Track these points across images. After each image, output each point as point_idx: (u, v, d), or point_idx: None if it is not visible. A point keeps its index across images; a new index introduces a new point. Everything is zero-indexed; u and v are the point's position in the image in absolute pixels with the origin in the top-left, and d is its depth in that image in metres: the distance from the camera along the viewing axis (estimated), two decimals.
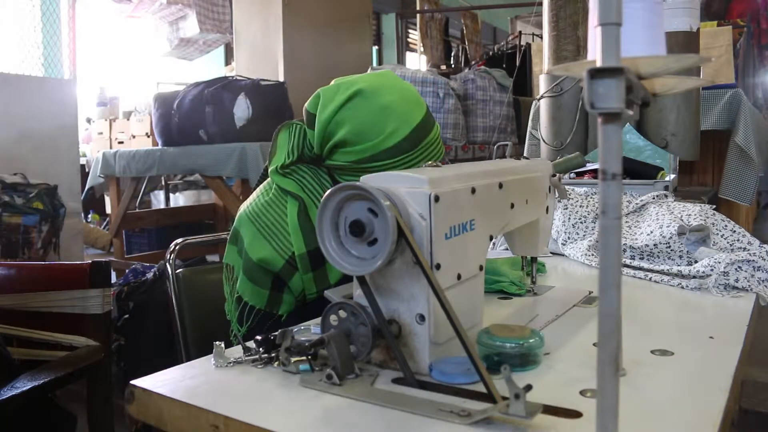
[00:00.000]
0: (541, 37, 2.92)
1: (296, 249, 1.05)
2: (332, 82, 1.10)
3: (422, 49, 7.39)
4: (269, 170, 1.12)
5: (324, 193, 1.07)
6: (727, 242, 1.26)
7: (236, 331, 1.09)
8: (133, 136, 4.45)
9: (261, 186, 1.15)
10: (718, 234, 1.27)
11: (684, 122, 2.35)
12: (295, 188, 1.09)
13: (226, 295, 1.12)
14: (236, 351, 0.80)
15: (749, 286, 1.08)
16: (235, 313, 1.09)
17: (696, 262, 1.19)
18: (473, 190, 0.77)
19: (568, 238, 1.47)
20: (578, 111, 2.40)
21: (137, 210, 4.40)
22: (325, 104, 1.07)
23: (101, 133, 4.65)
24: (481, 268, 0.80)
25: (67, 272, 1.60)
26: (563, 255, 1.47)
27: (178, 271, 1.32)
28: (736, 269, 1.09)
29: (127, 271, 2.45)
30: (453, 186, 0.74)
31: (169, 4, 4.60)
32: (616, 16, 0.44)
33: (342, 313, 0.72)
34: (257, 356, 0.77)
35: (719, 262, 1.11)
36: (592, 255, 1.38)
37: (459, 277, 0.75)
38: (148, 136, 4.29)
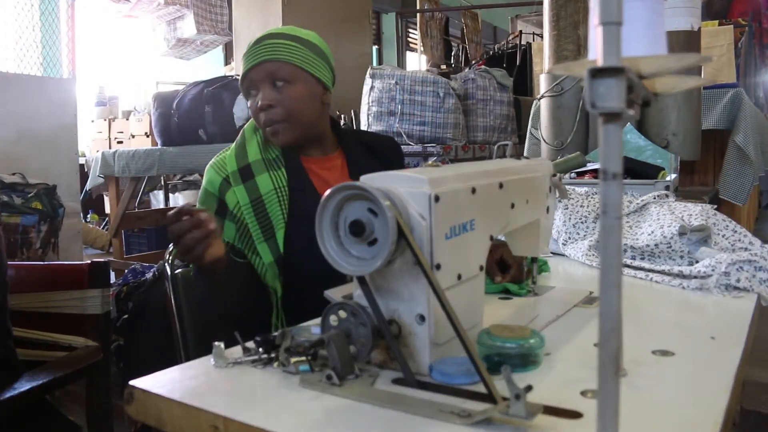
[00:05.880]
0: (542, 37, 2.92)
1: (229, 167, 1.25)
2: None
3: (422, 48, 7.38)
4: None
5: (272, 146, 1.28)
6: (729, 242, 1.25)
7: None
8: (133, 136, 4.45)
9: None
10: (719, 234, 1.27)
11: (685, 122, 2.35)
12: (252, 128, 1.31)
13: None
14: (236, 351, 0.80)
15: (750, 286, 1.08)
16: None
17: (697, 262, 1.19)
18: (473, 190, 0.77)
19: (569, 238, 1.46)
20: (579, 110, 2.40)
21: (136, 210, 4.40)
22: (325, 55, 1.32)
23: (100, 133, 4.65)
24: (481, 268, 0.80)
25: (66, 272, 1.60)
26: (564, 255, 1.47)
27: (177, 271, 1.32)
28: (737, 269, 1.09)
29: (126, 271, 2.45)
30: (453, 186, 0.74)
31: (167, 4, 4.59)
32: (617, 15, 0.44)
33: (342, 314, 0.72)
34: (257, 356, 0.77)
35: (720, 263, 1.11)
36: (593, 255, 1.37)
37: (459, 277, 0.74)
38: (148, 136, 4.29)
